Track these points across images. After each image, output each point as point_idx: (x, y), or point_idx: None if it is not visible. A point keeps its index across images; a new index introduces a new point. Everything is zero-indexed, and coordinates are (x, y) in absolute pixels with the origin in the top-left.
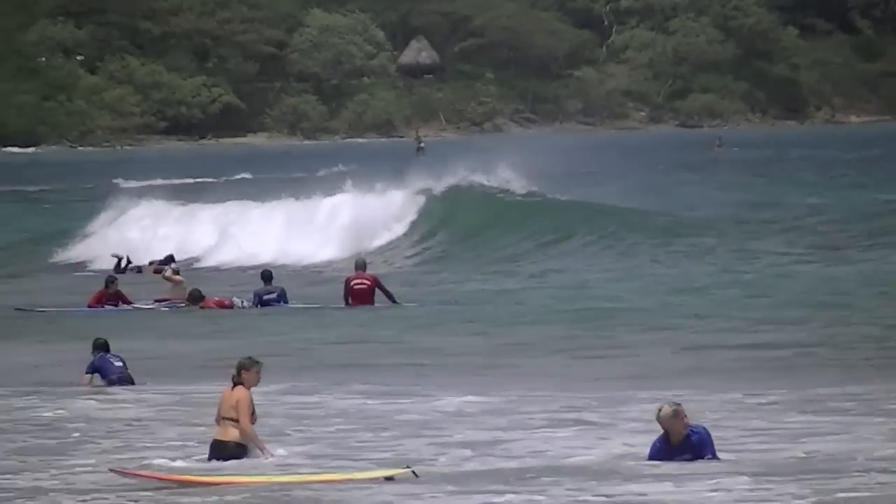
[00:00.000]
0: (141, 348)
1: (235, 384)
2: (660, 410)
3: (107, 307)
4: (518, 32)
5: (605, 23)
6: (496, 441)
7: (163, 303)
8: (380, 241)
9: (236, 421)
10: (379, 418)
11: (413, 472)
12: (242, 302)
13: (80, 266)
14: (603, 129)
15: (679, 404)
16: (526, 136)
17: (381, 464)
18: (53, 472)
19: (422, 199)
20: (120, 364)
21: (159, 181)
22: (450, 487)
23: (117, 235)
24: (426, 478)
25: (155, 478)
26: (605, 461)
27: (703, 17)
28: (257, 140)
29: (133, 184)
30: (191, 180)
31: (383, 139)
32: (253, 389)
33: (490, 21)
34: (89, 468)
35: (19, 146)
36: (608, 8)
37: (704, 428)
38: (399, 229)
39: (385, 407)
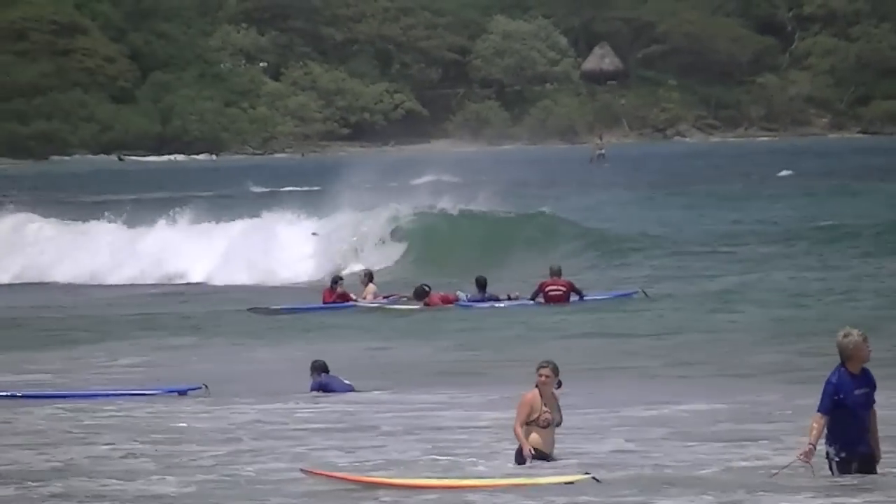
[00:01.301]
0: (366, 351)
1: None
2: (846, 336)
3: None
4: (701, 38)
5: (788, 29)
6: (673, 449)
7: (389, 298)
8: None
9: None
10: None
11: (594, 477)
12: (466, 296)
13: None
14: (786, 136)
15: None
16: (709, 143)
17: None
18: (249, 469)
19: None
20: (348, 382)
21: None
22: (628, 493)
23: None
24: (607, 484)
25: (343, 478)
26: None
27: (884, 23)
28: (439, 146)
29: (260, 189)
30: (305, 189)
31: (566, 146)
32: None
33: (673, 27)
34: (282, 467)
35: (204, 153)
36: (791, 14)
37: None
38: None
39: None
